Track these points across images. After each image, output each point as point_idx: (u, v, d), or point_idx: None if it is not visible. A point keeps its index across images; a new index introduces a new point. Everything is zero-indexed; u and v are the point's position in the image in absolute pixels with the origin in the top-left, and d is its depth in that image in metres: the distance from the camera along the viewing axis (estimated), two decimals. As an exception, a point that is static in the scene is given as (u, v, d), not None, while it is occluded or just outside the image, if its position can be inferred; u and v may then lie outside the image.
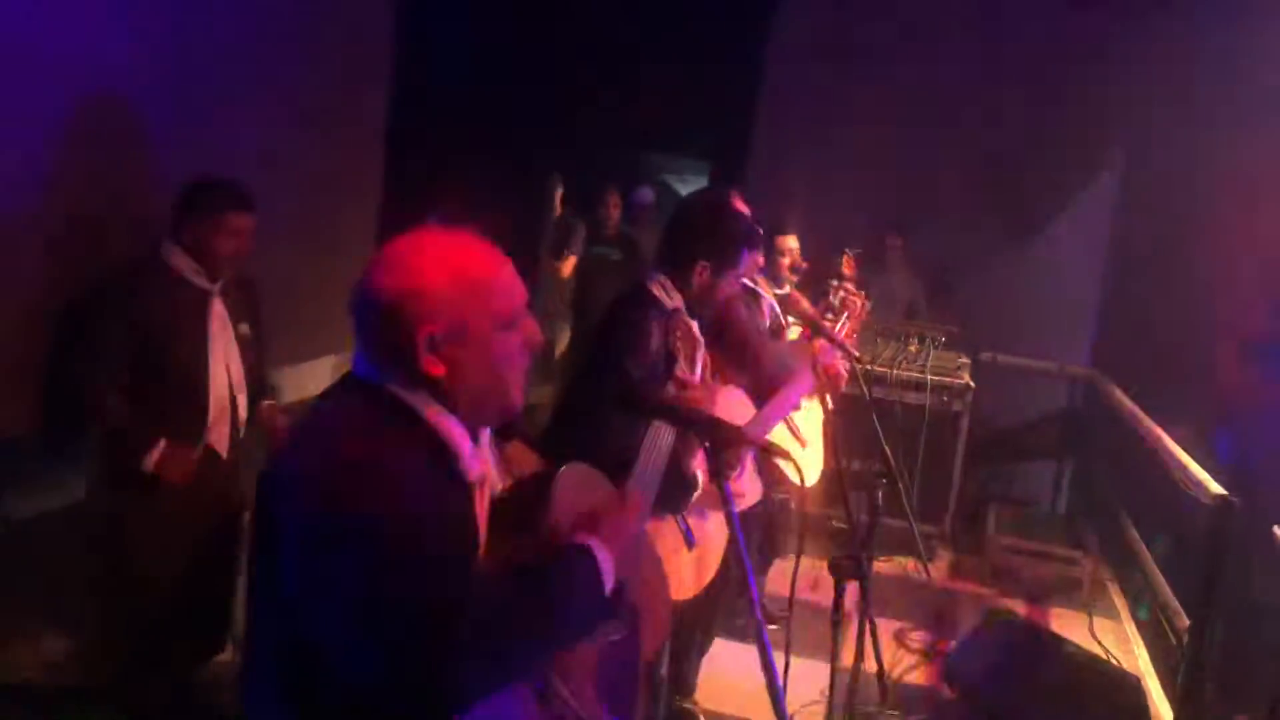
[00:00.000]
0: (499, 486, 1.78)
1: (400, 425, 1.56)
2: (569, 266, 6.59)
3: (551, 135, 6.76)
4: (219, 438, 3.28)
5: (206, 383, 3.22)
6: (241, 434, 3.38)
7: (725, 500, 1.88)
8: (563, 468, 1.82)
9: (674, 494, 2.80)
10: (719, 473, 1.85)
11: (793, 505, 4.65)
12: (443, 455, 1.59)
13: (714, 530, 3.11)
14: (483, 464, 1.68)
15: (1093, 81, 6.33)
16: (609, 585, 1.63)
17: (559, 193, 6.63)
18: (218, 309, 3.26)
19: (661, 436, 2.00)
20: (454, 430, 1.59)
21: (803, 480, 2.83)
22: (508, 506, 1.76)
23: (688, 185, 8.74)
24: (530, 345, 1.67)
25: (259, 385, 3.53)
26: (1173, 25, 5.94)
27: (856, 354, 3.26)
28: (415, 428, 1.57)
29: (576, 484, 1.83)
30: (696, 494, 2.92)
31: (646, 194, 6.90)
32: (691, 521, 2.99)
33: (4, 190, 3.09)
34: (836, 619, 2.83)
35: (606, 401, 2.64)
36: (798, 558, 2.25)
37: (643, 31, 6.76)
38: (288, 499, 1.50)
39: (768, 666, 1.79)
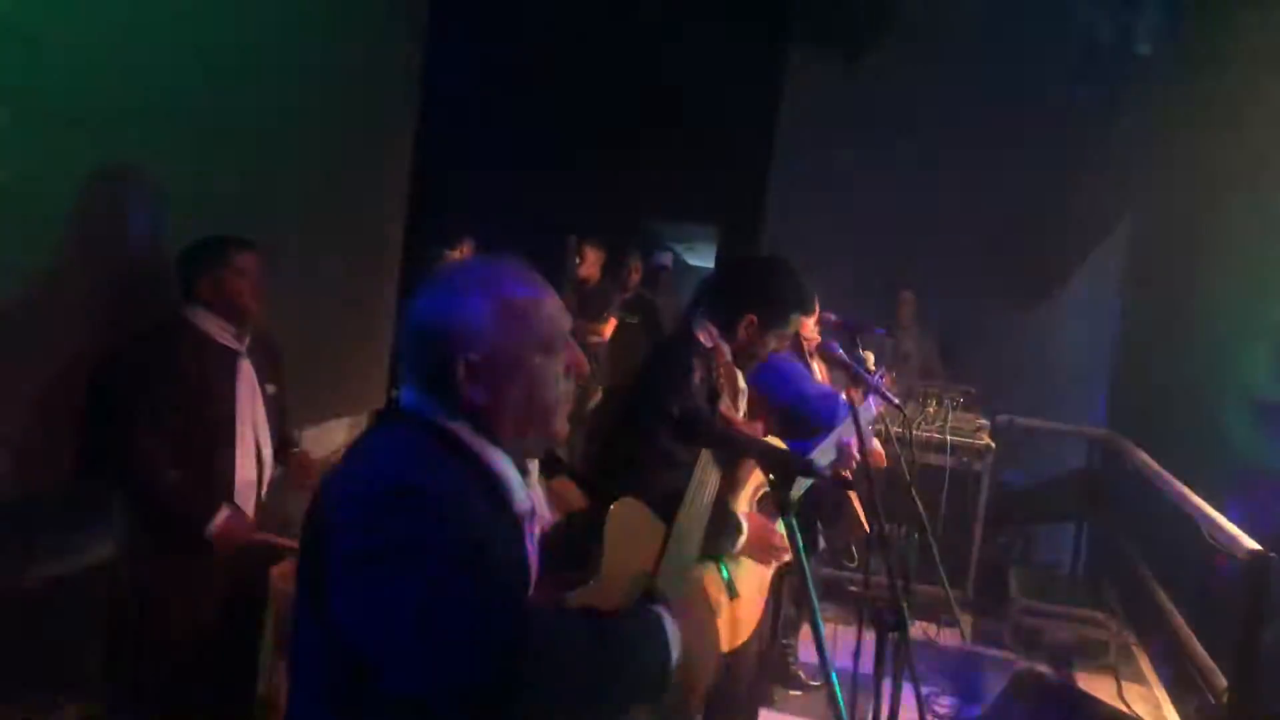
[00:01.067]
0: (548, 521, 1.76)
1: (447, 454, 1.55)
2: (610, 329, 6.53)
3: (562, 201, 6.77)
4: (246, 498, 3.23)
5: (234, 444, 3.19)
6: (265, 495, 3.34)
7: (791, 533, 1.83)
8: (614, 504, 1.81)
9: (718, 537, 2.76)
10: (786, 506, 1.80)
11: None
12: (490, 486, 1.58)
13: (753, 582, 3.05)
14: (531, 498, 1.67)
15: (1105, 148, 6.42)
16: (675, 655, 1.60)
17: (598, 256, 6.50)
18: (246, 369, 3.25)
19: (708, 475, 1.97)
20: (498, 462, 1.59)
21: (866, 524, 2.79)
22: (560, 541, 1.75)
23: (696, 253, 8.78)
24: (573, 371, 1.67)
25: (283, 445, 3.50)
26: (1183, 95, 6.04)
27: (897, 401, 3.23)
28: (461, 458, 1.57)
29: (626, 521, 1.82)
30: (742, 539, 2.87)
31: (666, 258, 6.93)
32: (732, 570, 2.94)
33: (33, 251, 3.08)
34: (879, 669, 2.77)
35: (652, 440, 2.62)
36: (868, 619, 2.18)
37: (652, 98, 6.81)
38: (335, 521, 1.48)
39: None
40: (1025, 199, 6.55)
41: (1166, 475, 5.08)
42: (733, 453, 1.99)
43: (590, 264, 6.35)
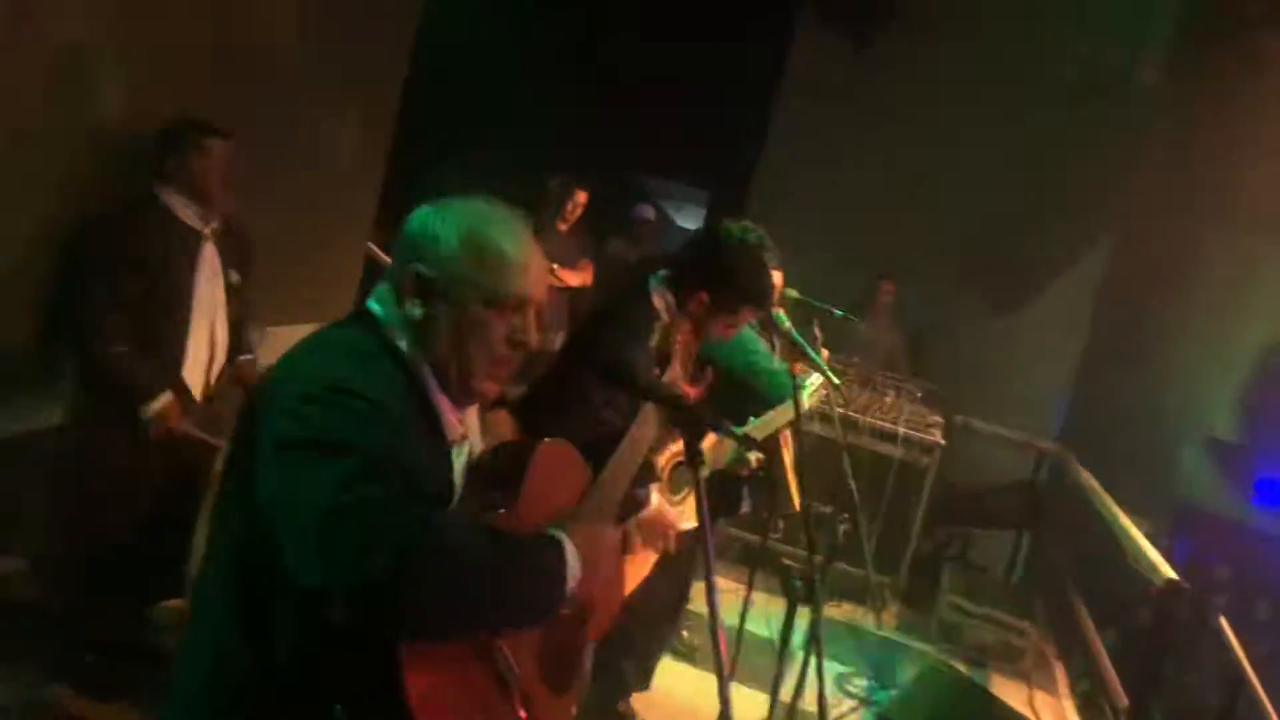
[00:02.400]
0: (478, 448, 1.79)
1: (389, 363, 1.60)
2: (577, 277, 6.23)
3: (550, 146, 6.67)
4: (194, 379, 3.28)
5: (188, 322, 3.24)
6: (216, 380, 3.39)
7: (699, 492, 1.85)
8: (544, 441, 1.83)
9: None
10: (696, 457, 1.82)
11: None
12: (422, 403, 1.62)
13: (649, 553, 3.06)
14: (464, 422, 1.71)
15: (1095, 167, 6.44)
16: (571, 585, 1.65)
17: (581, 198, 6.31)
18: (209, 252, 3.30)
19: (645, 430, 2.00)
20: (433, 383, 1.63)
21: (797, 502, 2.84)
22: (484, 469, 1.78)
23: (683, 213, 8.77)
24: (516, 342, 1.67)
25: (241, 338, 3.53)
26: (1178, 126, 6.07)
27: (837, 381, 3.24)
28: (402, 370, 1.61)
29: (554, 459, 1.85)
30: (645, 512, 2.91)
31: (648, 210, 6.82)
32: (632, 531, 2.97)
33: (14, 115, 3.10)
34: (786, 636, 2.82)
35: (581, 389, 2.66)
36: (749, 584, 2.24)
37: (657, 56, 6.75)
38: (272, 409, 1.52)
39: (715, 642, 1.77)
40: (1012, 204, 6.57)
41: (1104, 496, 5.15)
42: (648, 399, 2.01)
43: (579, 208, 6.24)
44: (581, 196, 6.10)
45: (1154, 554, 4.14)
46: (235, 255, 3.41)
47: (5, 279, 3.22)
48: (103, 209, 3.20)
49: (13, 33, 3.04)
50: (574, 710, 1.94)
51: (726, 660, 1.66)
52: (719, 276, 2.97)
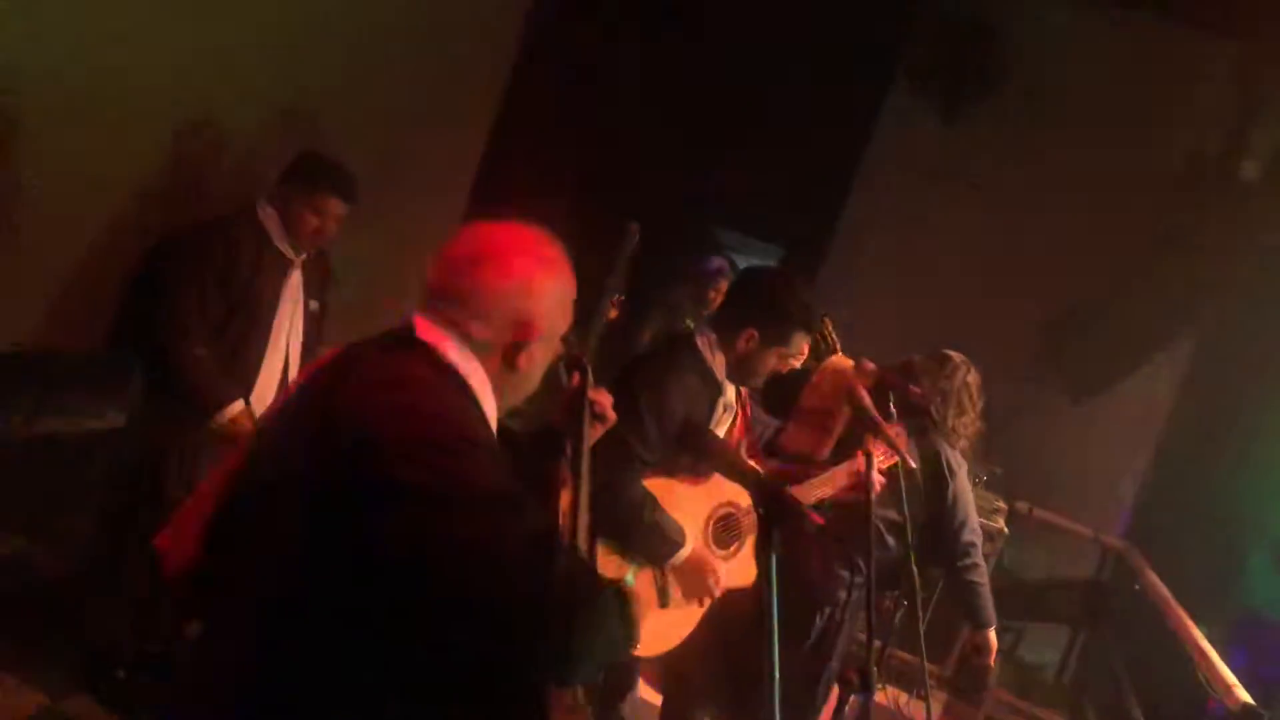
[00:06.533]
0: None
1: (465, 397, 1.57)
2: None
3: (628, 192, 6.61)
4: (261, 401, 3.24)
5: (266, 345, 3.23)
6: None
7: (769, 575, 1.75)
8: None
9: (649, 544, 2.85)
10: (771, 545, 1.72)
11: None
12: (490, 433, 1.61)
13: (691, 601, 3.04)
14: None
15: (1179, 262, 6.25)
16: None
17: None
18: (295, 279, 3.32)
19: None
20: (490, 408, 1.62)
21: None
22: None
23: (754, 269, 8.69)
24: None
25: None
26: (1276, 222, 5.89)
27: (914, 464, 3.14)
28: (476, 408, 1.59)
29: None
30: (680, 555, 2.88)
31: (719, 262, 6.72)
32: (669, 580, 2.97)
33: (109, 129, 3.13)
34: (836, 720, 2.71)
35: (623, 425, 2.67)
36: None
37: (743, 110, 6.68)
38: (384, 452, 1.42)
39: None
40: (1092, 290, 6.39)
41: (1173, 604, 4.94)
42: (728, 474, 1.94)
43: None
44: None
45: (1228, 673, 3.94)
46: (318, 284, 3.43)
47: (76, 283, 3.21)
48: (201, 220, 3.20)
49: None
50: None
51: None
52: (764, 307, 2.97)
